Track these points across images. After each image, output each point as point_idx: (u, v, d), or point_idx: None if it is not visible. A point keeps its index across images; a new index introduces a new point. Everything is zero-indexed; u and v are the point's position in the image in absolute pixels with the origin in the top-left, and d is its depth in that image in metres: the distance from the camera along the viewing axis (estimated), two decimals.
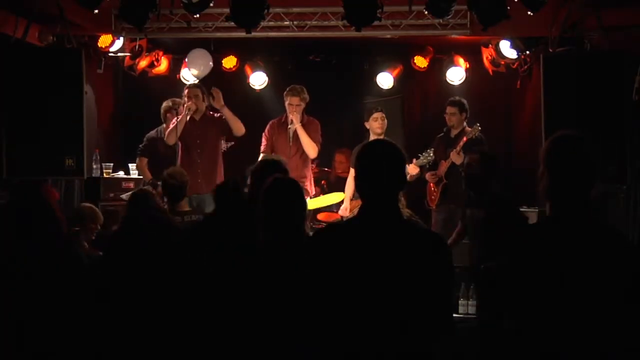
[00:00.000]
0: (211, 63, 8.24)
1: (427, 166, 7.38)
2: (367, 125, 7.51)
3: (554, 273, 2.73)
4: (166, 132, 7.19)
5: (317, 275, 2.81)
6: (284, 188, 3.57)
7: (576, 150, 2.81)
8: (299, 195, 3.58)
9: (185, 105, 7.14)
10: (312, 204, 7.56)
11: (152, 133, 7.61)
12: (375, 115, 7.40)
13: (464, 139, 7.21)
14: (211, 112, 7.43)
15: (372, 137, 7.30)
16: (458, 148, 7.19)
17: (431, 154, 7.26)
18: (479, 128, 7.29)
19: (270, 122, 7.58)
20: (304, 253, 2.96)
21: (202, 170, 7.18)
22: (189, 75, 8.57)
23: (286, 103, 7.33)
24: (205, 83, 7.99)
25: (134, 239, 4.79)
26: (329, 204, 7.79)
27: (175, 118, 7.14)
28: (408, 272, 2.71)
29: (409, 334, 2.69)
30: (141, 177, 7.55)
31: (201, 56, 8.21)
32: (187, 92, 7.26)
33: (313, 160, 7.82)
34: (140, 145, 7.58)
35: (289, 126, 7.34)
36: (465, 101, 7.53)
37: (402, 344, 2.69)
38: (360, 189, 2.86)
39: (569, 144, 2.83)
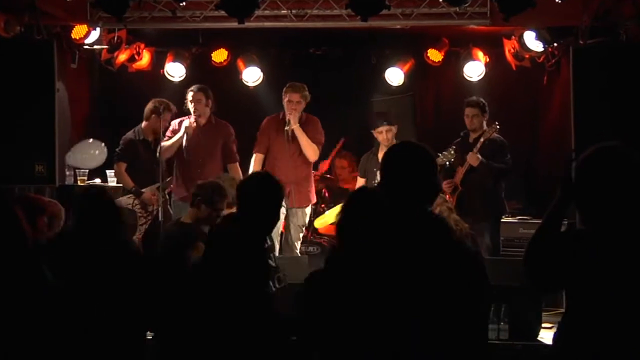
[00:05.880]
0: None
1: (447, 165, 7.44)
2: (374, 133, 7.69)
3: (592, 284, 2.84)
4: (162, 145, 7.19)
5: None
6: None
7: (620, 164, 2.88)
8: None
9: (188, 125, 7.25)
10: (317, 223, 8.01)
11: (129, 134, 7.65)
12: (380, 129, 7.55)
13: (482, 140, 7.34)
14: (216, 117, 7.52)
15: (381, 147, 7.52)
16: (475, 149, 7.32)
17: (452, 152, 7.33)
18: (498, 127, 7.38)
19: (267, 119, 7.63)
20: None
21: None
22: (173, 70, 8.62)
23: (285, 100, 7.38)
24: (195, 80, 8.06)
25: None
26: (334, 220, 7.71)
27: (171, 129, 7.30)
28: (444, 287, 2.80)
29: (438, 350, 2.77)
30: (120, 184, 7.57)
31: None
32: (192, 97, 7.35)
33: (314, 166, 7.88)
34: (117, 150, 7.61)
35: (286, 128, 7.41)
36: (485, 101, 7.61)
37: None
38: (388, 198, 2.91)
39: (612, 158, 2.89)
